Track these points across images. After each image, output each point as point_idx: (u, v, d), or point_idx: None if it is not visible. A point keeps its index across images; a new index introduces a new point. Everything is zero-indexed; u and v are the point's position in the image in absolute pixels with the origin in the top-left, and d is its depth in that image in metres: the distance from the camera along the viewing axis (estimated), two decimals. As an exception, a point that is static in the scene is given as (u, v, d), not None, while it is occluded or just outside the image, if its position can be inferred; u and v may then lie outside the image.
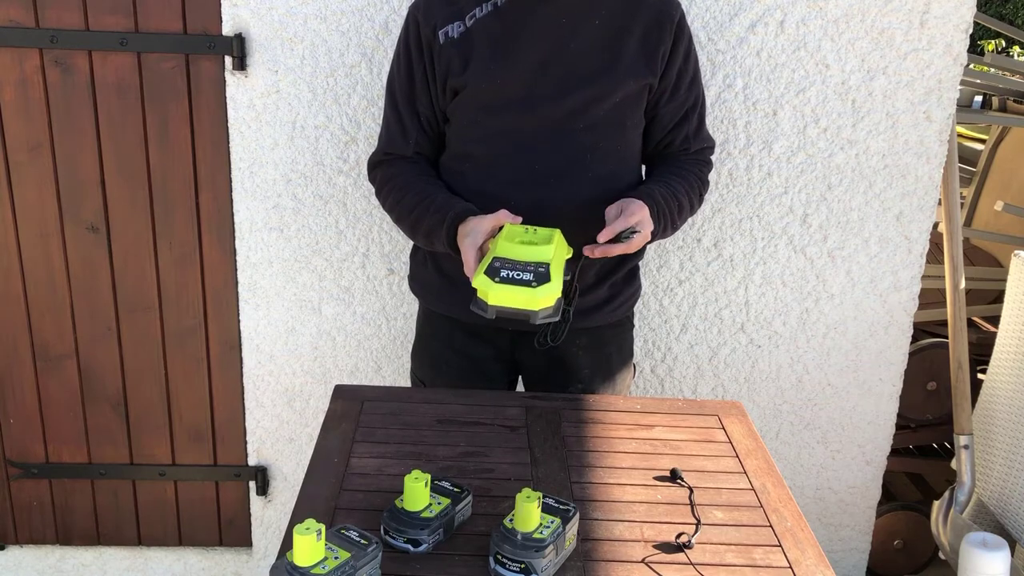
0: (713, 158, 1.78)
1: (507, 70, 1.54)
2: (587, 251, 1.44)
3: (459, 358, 1.74)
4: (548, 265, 1.34)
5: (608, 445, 1.49)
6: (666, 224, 1.58)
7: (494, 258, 1.36)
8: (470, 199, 1.61)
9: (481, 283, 1.34)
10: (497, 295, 1.33)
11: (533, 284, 1.32)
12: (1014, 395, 2.06)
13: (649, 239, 1.52)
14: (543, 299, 1.33)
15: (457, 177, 1.64)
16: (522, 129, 1.57)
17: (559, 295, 1.35)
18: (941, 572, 2.71)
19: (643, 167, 1.75)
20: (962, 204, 3.56)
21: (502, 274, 1.33)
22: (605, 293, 1.69)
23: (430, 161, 1.68)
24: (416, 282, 1.78)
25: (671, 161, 1.68)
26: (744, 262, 2.21)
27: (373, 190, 1.72)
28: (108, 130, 2.08)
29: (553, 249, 1.37)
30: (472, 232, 1.45)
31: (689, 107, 1.65)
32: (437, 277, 1.71)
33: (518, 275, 1.33)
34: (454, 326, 1.72)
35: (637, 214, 1.46)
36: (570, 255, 1.45)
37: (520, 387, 1.87)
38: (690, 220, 2.01)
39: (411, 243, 1.87)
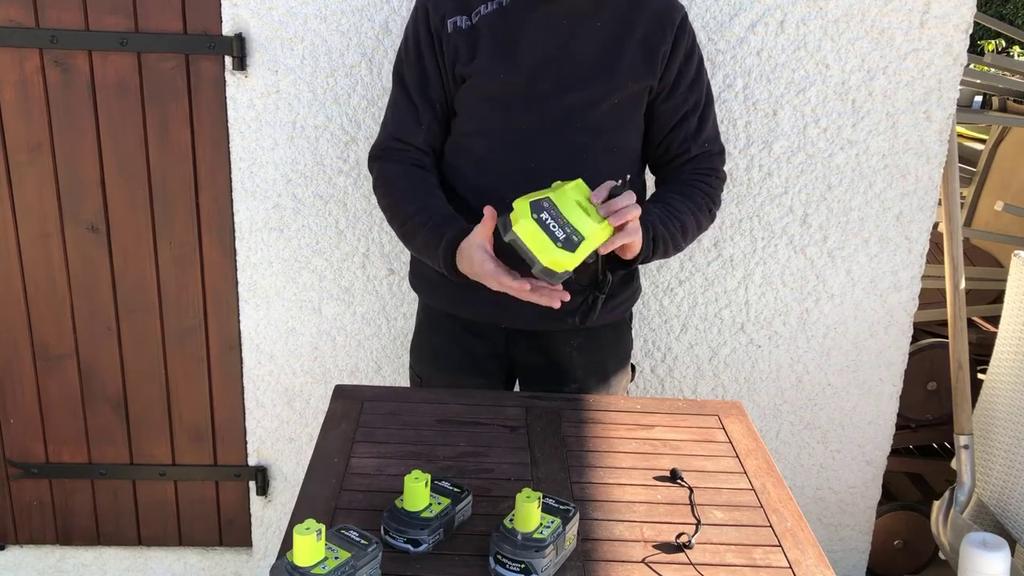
0: (726, 168, 1.75)
1: (509, 68, 1.55)
2: (603, 250, 1.41)
3: (458, 353, 1.74)
4: (583, 239, 1.35)
5: (608, 445, 1.49)
6: (667, 247, 1.57)
7: (547, 198, 1.35)
8: (467, 194, 1.61)
9: (520, 208, 1.34)
10: (524, 228, 1.33)
11: (558, 244, 1.33)
12: (1014, 395, 2.06)
13: (640, 257, 1.51)
14: (556, 260, 1.34)
15: (455, 172, 1.64)
16: (521, 127, 1.57)
17: (569, 268, 1.36)
18: (941, 572, 2.71)
19: (646, 172, 1.74)
20: (962, 204, 3.56)
21: (542, 216, 1.33)
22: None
23: (435, 156, 1.66)
24: (416, 278, 1.79)
25: (674, 179, 1.67)
26: (744, 262, 2.21)
27: (372, 189, 1.71)
28: (108, 130, 2.08)
29: (599, 230, 1.37)
30: (470, 249, 1.45)
31: (688, 109, 1.63)
32: (436, 274, 1.71)
33: (554, 227, 1.33)
34: (453, 322, 1.73)
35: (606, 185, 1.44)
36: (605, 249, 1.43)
37: (518, 386, 1.87)
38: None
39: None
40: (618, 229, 1.41)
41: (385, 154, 1.65)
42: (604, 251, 1.42)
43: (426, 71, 1.61)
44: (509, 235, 1.35)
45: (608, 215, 1.39)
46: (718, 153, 1.70)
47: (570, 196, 1.37)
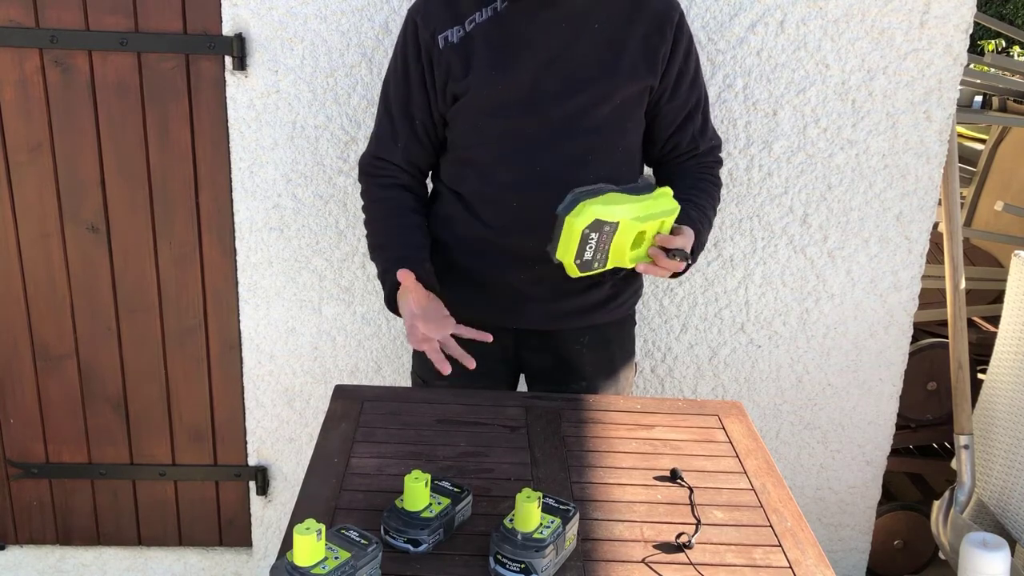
0: (726, 168, 1.79)
1: (508, 75, 1.54)
2: (640, 268, 1.48)
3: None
4: (602, 266, 1.43)
5: (608, 445, 1.49)
6: (700, 251, 1.62)
7: (616, 224, 1.39)
8: (473, 199, 1.61)
9: (587, 212, 1.37)
10: (569, 227, 1.37)
11: (577, 260, 1.40)
12: (1014, 395, 2.06)
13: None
14: (565, 264, 1.41)
15: (460, 179, 1.64)
16: (524, 132, 1.57)
17: (571, 276, 1.43)
18: (941, 572, 2.71)
19: (647, 169, 1.75)
20: (962, 204, 3.56)
21: (590, 235, 1.38)
22: (608, 291, 1.69)
23: (416, 169, 1.68)
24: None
25: (687, 175, 1.68)
26: (744, 262, 2.21)
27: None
28: (108, 130, 2.08)
29: (626, 262, 1.45)
30: (405, 302, 1.53)
31: (692, 106, 1.65)
32: (440, 277, 1.71)
33: (589, 247, 1.39)
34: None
35: (688, 236, 1.51)
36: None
37: (522, 386, 1.87)
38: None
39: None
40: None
41: (369, 170, 1.68)
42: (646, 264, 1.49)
43: (410, 87, 1.61)
44: (560, 215, 1.39)
45: (651, 256, 1.47)
46: (720, 144, 1.75)
47: (637, 229, 1.42)
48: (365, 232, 1.70)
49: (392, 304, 1.59)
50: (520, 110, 1.56)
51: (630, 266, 1.47)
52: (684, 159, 1.69)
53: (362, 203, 1.70)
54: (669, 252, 1.47)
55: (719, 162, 1.73)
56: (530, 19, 1.54)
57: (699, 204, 1.62)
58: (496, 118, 1.57)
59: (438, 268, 1.71)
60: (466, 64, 1.54)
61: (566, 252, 1.39)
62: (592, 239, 1.38)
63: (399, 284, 1.54)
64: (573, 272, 1.42)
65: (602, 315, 1.71)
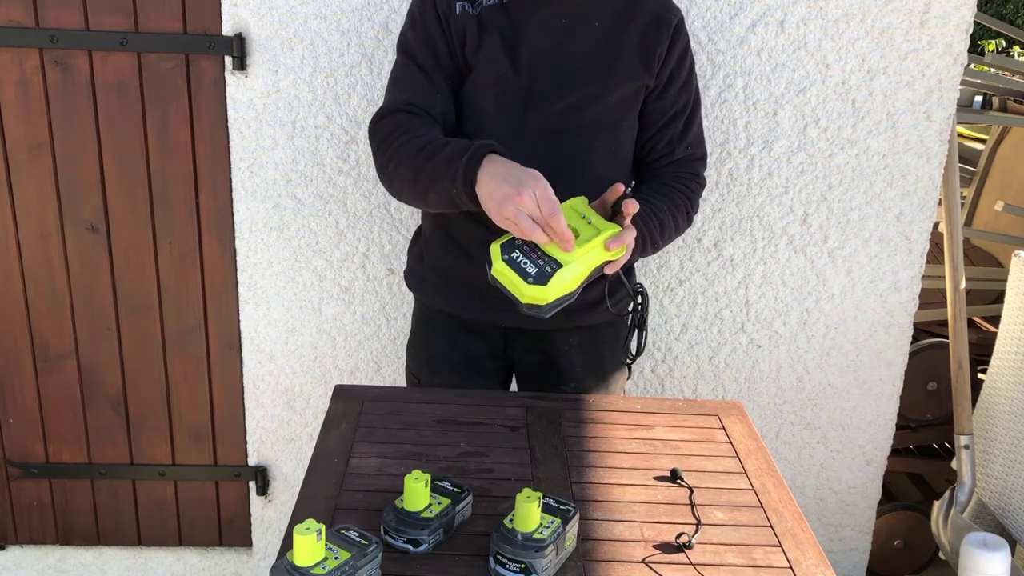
0: (706, 173, 1.74)
1: (509, 65, 1.55)
2: (608, 270, 1.39)
3: (455, 354, 1.74)
4: (558, 268, 1.31)
5: (608, 445, 1.49)
6: (645, 244, 1.54)
7: (519, 243, 1.34)
8: None
9: (493, 251, 1.35)
10: (499, 271, 1.34)
11: (529, 280, 1.30)
12: (1014, 395, 2.06)
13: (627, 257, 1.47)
14: (533, 296, 1.31)
15: None
16: (521, 127, 1.57)
17: (550, 299, 1.32)
18: (941, 572, 2.71)
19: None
20: (962, 204, 3.57)
21: (513, 255, 1.32)
22: (600, 291, 1.69)
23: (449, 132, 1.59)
24: (413, 277, 1.78)
25: (654, 178, 1.66)
26: (744, 262, 2.21)
27: (372, 185, 1.69)
28: (108, 130, 2.08)
29: (580, 253, 1.32)
30: (522, 166, 1.36)
31: (677, 111, 1.63)
32: (432, 274, 1.71)
33: (525, 263, 1.31)
34: (451, 322, 1.72)
35: (616, 188, 1.40)
36: (613, 253, 1.37)
37: (514, 384, 1.87)
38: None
39: (409, 240, 1.87)
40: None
41: (403, 111, 1.52)
42: (610, 270, 1.39)
43: (436, 45, 1.55)
44: (490, 276, 1.35)
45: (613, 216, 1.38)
46: (700, 158, 1.69)
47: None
48: (396, 156, 1.47)
49: (479, 158, 1.38)
50: (517, 103, 1.55)
51: (596, 255, 1.35)
52: (658, 164, 1.66)
53: (391, 133, 1.50)
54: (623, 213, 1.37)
55: (696, 177, 1.67)
56: (532, 13, 1.54)
57: (651, 201, 1.56)
58: (495, 108, 1.57)
59: (429, 267, 1.71)
60: (479, 38, 1.54)
61: (517, 288, 1.31)
62: (518, 257, 1.32)
63: (495, 148, 1.39)
64: (543, 296, 1.30)
65: (594, 315, 1.70)
